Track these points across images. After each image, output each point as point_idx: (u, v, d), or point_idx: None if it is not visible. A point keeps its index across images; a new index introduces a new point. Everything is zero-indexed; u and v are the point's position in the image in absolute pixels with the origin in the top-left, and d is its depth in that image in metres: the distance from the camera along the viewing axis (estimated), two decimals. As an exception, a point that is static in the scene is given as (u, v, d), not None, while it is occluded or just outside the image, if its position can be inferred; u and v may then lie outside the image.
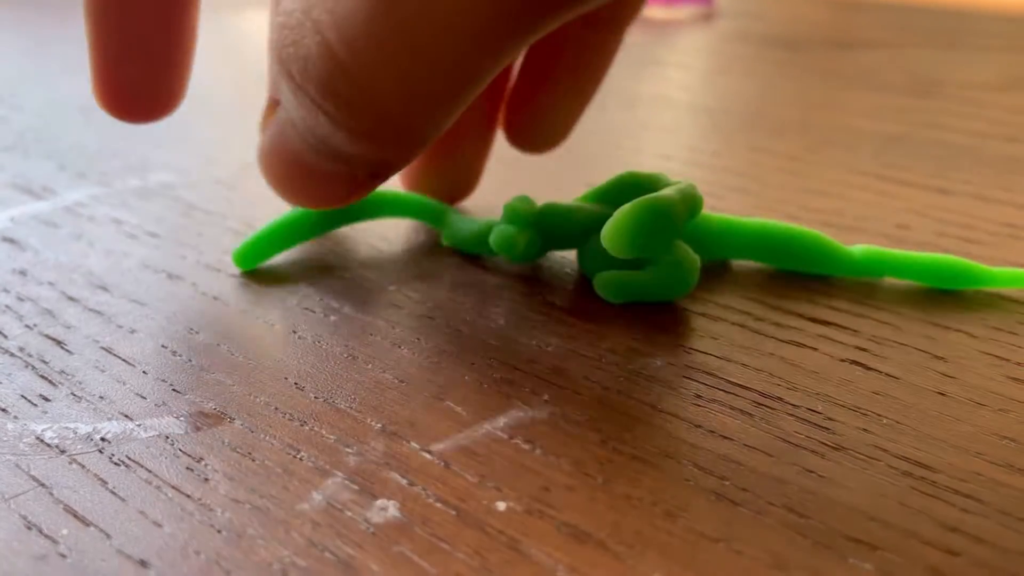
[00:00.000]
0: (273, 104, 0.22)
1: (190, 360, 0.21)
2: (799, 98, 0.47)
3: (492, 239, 0.24)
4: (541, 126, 0.28)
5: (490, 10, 0.17)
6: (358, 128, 0.19)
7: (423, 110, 0.19)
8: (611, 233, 0.21)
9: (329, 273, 0.25)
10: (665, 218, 0.21)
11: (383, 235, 0.28)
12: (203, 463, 0.18)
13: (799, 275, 0.25)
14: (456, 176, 0.29)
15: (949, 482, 0.17)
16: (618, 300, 0.23)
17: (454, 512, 0.16)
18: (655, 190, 0.23)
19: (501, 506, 0.16)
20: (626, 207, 0.21)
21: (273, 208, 0.30)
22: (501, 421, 0.19)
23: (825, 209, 0.30)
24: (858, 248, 0.24)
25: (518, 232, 0.24)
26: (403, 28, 0.17)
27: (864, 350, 0.21)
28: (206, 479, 0.17)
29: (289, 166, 0.21)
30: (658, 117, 0.43)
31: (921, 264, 0.24)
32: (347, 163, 0.20)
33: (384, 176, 0.21)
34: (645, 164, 0.36)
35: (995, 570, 0.15)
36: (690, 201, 0.22)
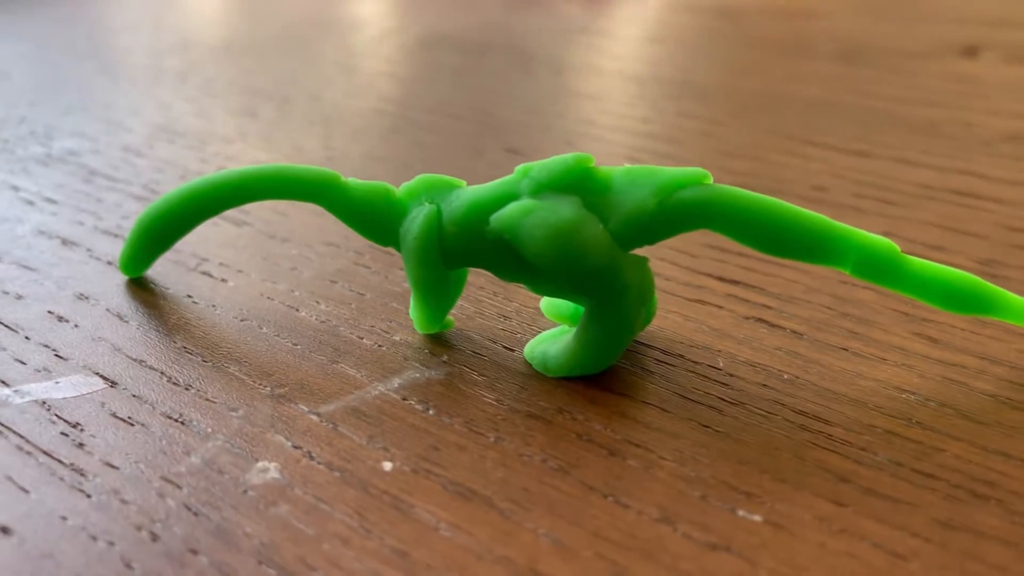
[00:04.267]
0: None
1: (77, 326, 0.20)
2: (728, 65, 0.46)
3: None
4: None
5: None
6: None
7: None
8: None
9: (227, 238, 0.25)
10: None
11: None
12: (79, 428, 0.17)
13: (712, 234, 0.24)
14: None
15: (845, 435, 0.17)
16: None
17: (337, 473, 0.16)
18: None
19: (387, 466, 0.16)
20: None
21: (179, 173, 0.30)
22: (396, 382, 0.18)
23: (744, 171, 0.30)
24: (869, 244, 0.17)
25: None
26: None
27: (770, 308, 0.21)
28: (81, 444, 0.17)
29: None
30: (585, 84, 0.42)
31: (931, 280, 0.18)
32: None
33: None
34: (570, 130, 0.35)
35: (881, 520, 0.15)
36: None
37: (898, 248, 0.17)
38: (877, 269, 0.18)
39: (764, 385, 0.18)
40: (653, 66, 0.47)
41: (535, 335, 0.20)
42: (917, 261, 0.18)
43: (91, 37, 0.50)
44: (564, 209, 0.17)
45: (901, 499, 0.15)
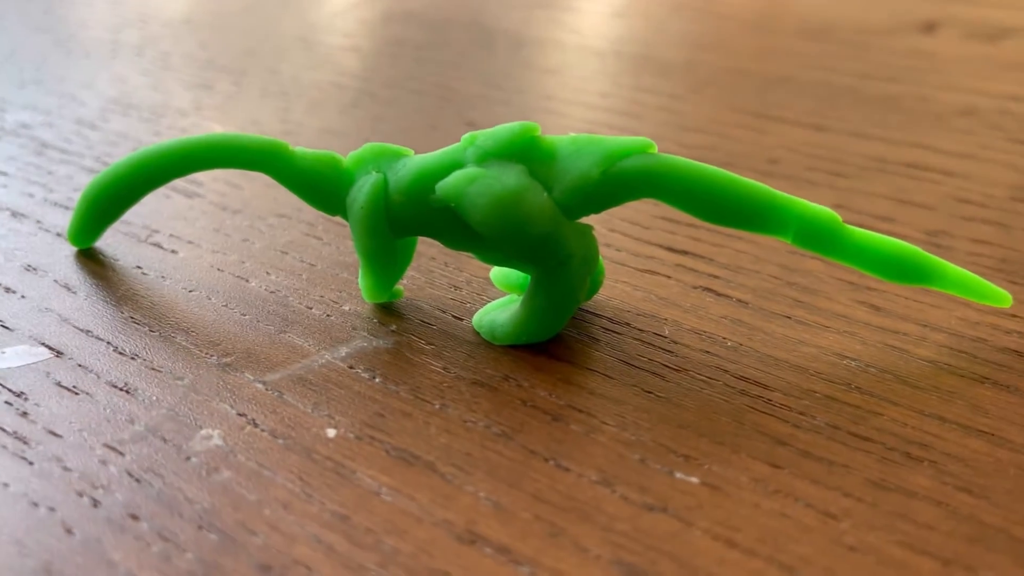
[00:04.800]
0: None
1: (24, 296, 0.20)
2: (689, 41, 0.47)
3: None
4: None
5: None
6: None
7: None
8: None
9: (178, 210, 0.24)
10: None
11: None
12: (23, 398, 0.17)
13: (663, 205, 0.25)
14: None
15: (784, 400, 0.17)
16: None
17: (281, 440, 0.16)
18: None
19: (331, 433, 0.16)
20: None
21: (132, 146, 0.29)
22: (343, 351, 0.18)
23: (700, 145, 0.30)
24: (810, 213, 0.18)
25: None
26: None
27: (717, 277, 0.21)
28: (25, 413, 0.16)
29: None
30: (546, 59, 0.42)
31: (871, 250, 0.18)
32: None
33: None
34: (528, 104, 0.35)
35: (815, 481, 0.15)
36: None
37: (839, 218, 0.18)
38: (818, 239, 0.18)
39: (707, 352, 0.18)
40: (615, 41, 0.47)
41: (484, 305, 0.20)
42: (858, 231, 0.18)
43: (47, 10, 0.49)
44: (508, 177, 0.17)
45: (836, 461, 0.15)
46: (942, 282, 0.18)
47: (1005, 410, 0.17)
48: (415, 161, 0.18)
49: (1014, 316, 0.19)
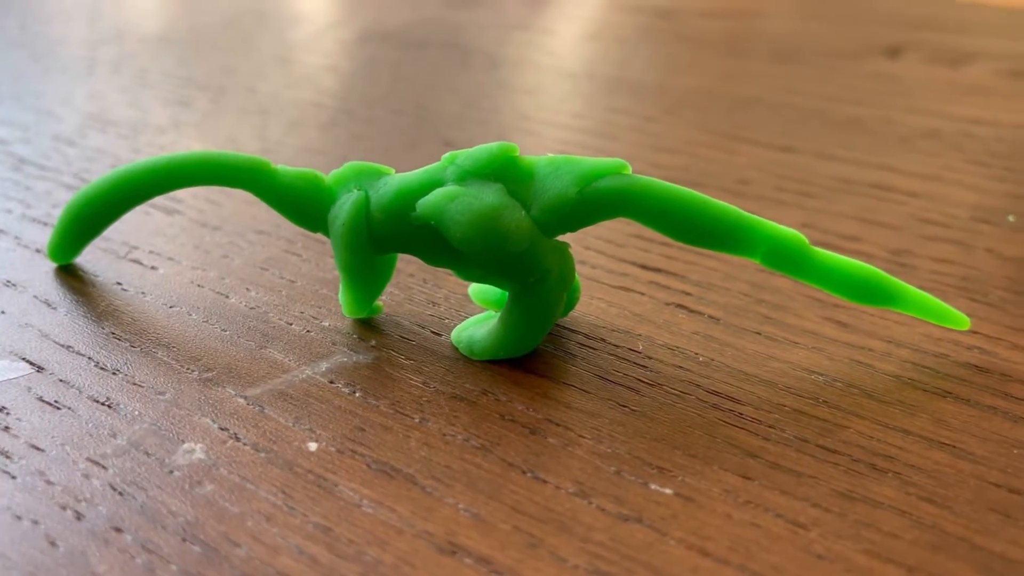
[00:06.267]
0: None
1: (3, 312, 0.20)
2: (663, 64, 0.47)
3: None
4: None
5: None
6: None
7: None
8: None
9: (158, 227, 0.25)
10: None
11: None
12: (5, 412, 0.17)
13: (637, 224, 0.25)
14: None
15: (755, 414, 0.17)
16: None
17: (263, 454, 0.16)
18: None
19: (312, 447, 0.16)
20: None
21: (110, 162, 0.29)
22: (323, 366, 0.19)
23: (673, 165, 0.31)
24: (778, 235, 0.18)
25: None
26: None
27: (690, 294, 0.22)
28: (7, 427, 0.17)
29: None
30: (522, 80, 0.43)
31: (836, 272, 0.18)
32: None
33: None
34: (504, 124, 0.36)
35: (785, 492, 0.15)
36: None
37: (806, 240, 0.18)
38: (786, 259, 0.18)
39: (680, 367, 0.19)
40: (589, 63, 0.47)
41: (463, 320, 0.20)
42: (824, 253, 0.19)
43: (24, 26, 0.49)
44: (487, 196, 0.18)
45: (804, 472, 0.16)
46: (904, 304, 0.19)
47: (966, 423, 0.17)
48: (396, 179, 0.19)
49: (975, 332, 0.20)
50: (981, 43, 0.49)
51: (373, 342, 0.20)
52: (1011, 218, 0.27)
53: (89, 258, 0.23)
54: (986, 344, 0.20)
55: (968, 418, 0.17)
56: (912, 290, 0.19)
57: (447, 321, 0.20)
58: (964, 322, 0.19)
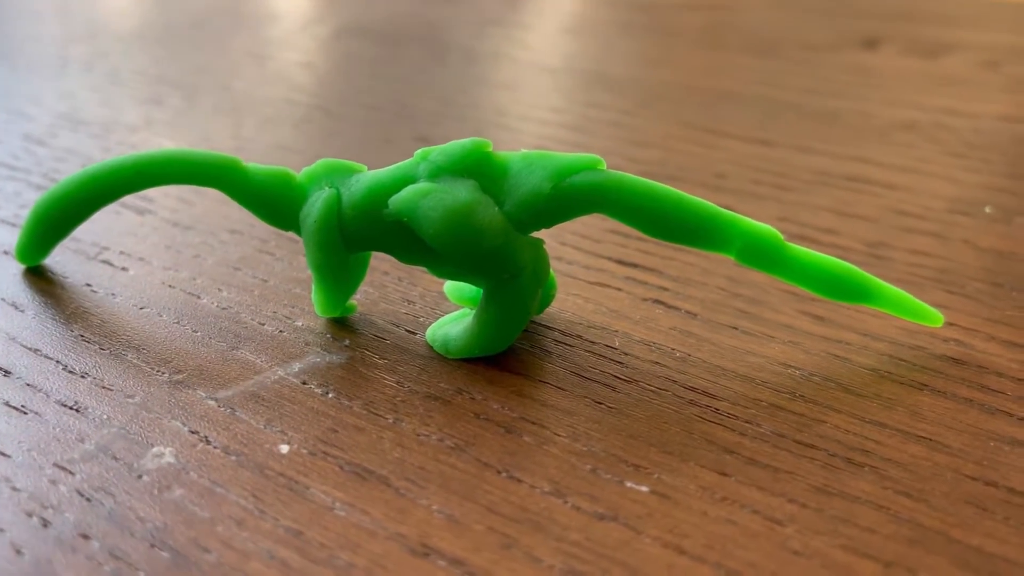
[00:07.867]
0: None
1: (-30, 316, 0.20)
2: (641, 58, 0.47)
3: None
4: None
5: None
6: None
7: None
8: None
9: (129, 227, 0.24)
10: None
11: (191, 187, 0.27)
12: (-30, 419, 0.17)
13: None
14: None
15: (732, 409, 0.17)
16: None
17: (234, 457, 0.16)
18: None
19: (284, 449, 0.16)
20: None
21: (81, 162, 0.29)
22: (296, 367, 0.18)
23: (649, 160, 0.31)
24: (753, 231, 0.18)
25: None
26: None
27: (667, 290, 0.22)
28: (-29, 435, 0.16)
29: None
30: (499, 75, 0.43)
31: (811, 268, 0.18)
32: None
33: None
34: (481, 119, 0.36)
35: (762, 488, 0.15)
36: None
37: (781, 236, 0.18)
38: (760, 256, 0.18)
39: (657, 363, 0.19)
40: (567, 58, 0.47)
41: (438, 319, 0.20)
42: (799, 250, 0.18)
43: (-6, 25, 0.49)
44: (460, 192, 0.17)
45: (781, 468, 0.16)
46: (879, 301, 0.19)
47: (943, 416, 0.17)
48: (368, 176, 0.18)
49: (951, 325, 0.20)
50: (958, 34, 0.49)
51: (347, 341, 0.19)
52: (988, 209, 0.27)
53: (58, 259, 0.22)
54: (963, 336, 0.20)
55: (944, 411, 0.17)
56: (887, 287, 0.19)
57: (422, 319, 0.20)
58: (938, 319, 0.19)
